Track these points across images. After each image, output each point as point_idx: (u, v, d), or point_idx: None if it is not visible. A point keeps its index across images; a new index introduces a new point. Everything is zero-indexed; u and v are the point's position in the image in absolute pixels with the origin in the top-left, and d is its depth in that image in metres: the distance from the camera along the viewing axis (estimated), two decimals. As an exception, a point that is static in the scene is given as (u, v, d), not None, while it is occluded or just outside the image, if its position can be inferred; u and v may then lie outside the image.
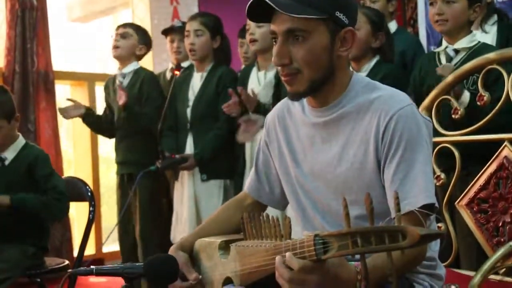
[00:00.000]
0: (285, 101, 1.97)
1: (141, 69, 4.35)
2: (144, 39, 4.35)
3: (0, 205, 2.97)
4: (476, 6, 2.95)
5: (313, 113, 1.86)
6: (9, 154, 3.13)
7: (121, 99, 3.98)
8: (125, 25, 4.35)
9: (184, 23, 4.34)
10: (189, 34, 3.96)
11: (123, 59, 4.28)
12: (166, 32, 4.52)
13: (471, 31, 3.01)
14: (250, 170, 2.22)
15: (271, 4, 1.68)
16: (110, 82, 4.39)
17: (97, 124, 4.40)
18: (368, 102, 1.78)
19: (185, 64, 4.28)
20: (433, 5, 2.98)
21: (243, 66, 4.21)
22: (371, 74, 3.06)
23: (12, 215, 3.02)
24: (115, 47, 4.25)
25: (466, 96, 2.71)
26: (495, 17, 3.51)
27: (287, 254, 1.48)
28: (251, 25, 3.67)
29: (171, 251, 1.98)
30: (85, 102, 6.19)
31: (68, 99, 4.40)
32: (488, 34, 3.40)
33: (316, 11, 1.71)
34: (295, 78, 1.76)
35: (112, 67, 4.69)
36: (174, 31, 4.42)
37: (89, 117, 4.31)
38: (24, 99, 5.54)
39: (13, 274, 2.95)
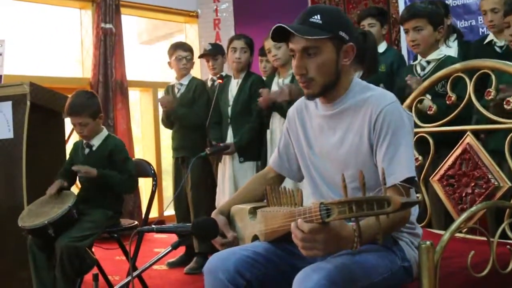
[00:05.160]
0: (303, 99, 1.92)
1: (194, 79, 4.31)
2: (193, 56, 4.32)
3: (89, 174, 2.98)
4: (440, 29, 2.91)
5: (323, 107, 1.83)
6: (96, 142, 3.12)
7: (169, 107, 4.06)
8: (185, 48, 4.26)
9: (213, 46, 4.39)
10: (236, 50, 3.92)
11: (185, 75, 4.25)
12: (202, 55, 4.49)
13: (438, 47, 2.96)
14: (270, 154, 2.18)
15: (290, 30, 1.67)
16: (169, 89, 4.35)
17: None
18: (363, 100, 1.74)
19: (223, 74, 4.26)
20: (408, 33, 2.94)
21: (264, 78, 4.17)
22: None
23: (97, 189, 3.03)
24: (184, 68, 4.21)
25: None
26: (455, 35, 3.54)
27: (299, 220, 1.45)
28: (271, 48, 3.62)
29: (213, 214, 1.96)
30: (150, 104, 6.25)
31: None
32: (451, 48, 3.38)
33: (324, 32, 1.68)
34: (310, 84, 1.73)
35: (170, 77, 4.67)
36: (206, 55, 4.37)
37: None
38: (105, 102, 5.59)
39: (97, 231, 2.95)
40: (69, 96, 3.13)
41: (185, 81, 4.24)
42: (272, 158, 2.09)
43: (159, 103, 4.21)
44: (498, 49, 3.18)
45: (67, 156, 3.34)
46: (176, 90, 4.25)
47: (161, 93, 6.16)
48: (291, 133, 1.97)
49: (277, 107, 3.63)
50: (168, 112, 4.13)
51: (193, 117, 4.09)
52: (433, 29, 2.88)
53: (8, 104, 3.36)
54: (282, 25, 1.69)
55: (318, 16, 1.69)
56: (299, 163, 1.96)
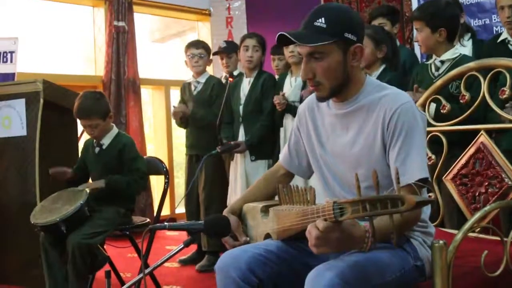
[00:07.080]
0: (314, 96, 1.91)
1: (211, 77, 4.30)
2: (209, 53, 4.30)
3: (98, 188, 3.00)
4: (440, 31, 2.83)
5: (335, 106, 1.82)
6: (106, 141, 3.14)
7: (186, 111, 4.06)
8: (198, 46, 4.23)
9: (228, 44, 4.37)
10: (248, 49, 3.92)
11: (200, 72, 4.24)
12: (216, 53, 4.47)
13: (453, 45, 2.93)
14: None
15: (291, 39, 1.67)
16: (186, 87, 4.33)
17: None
18: (378, 99, 1.73)
19: (235, 72, 4.26)
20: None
21: (276, 76, 4.16)
22: (379, 79, 2.98)
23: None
24: (197, 66, 4.19)
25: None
26: (469, 34, 3.51)
27: (318, 220, 1.44)
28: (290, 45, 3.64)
29: (225, 213, 1.96)
30: (163, 102, 6.27)
31: (174, 106, 4.35)
32: (466, 48, 3.35)
33: (328, 36, 1.66)
34: (319, 88, 1.74)
35: (182, 75, 4.67)
36: (221, 52, 4.35)
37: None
38: (118, 99, 5.62)
39: (109, 228, 2.96)
40: (78, 95, 3.14)
41: (202, 79, 4.23)
42: (282, 155, 2.08)
43: (173, 115, 4.18)
44: (512, 48, 3.14)
45: (79, 153, 3.36)
46: (192, 88, 4.24)
47: (173, 91, 6.18)
48: (301, 129, 1.96)
49: (289, 108, 3.66)
50: (186, 117, 4.11)
51: (211, 117, 4.05)
52: (431, 32, 2.84)
53: (22, 102, 3.39)
54: (284, 33, 1.68)
55: (323, 19, 1.67)
56: (308, 159, 1.95)
